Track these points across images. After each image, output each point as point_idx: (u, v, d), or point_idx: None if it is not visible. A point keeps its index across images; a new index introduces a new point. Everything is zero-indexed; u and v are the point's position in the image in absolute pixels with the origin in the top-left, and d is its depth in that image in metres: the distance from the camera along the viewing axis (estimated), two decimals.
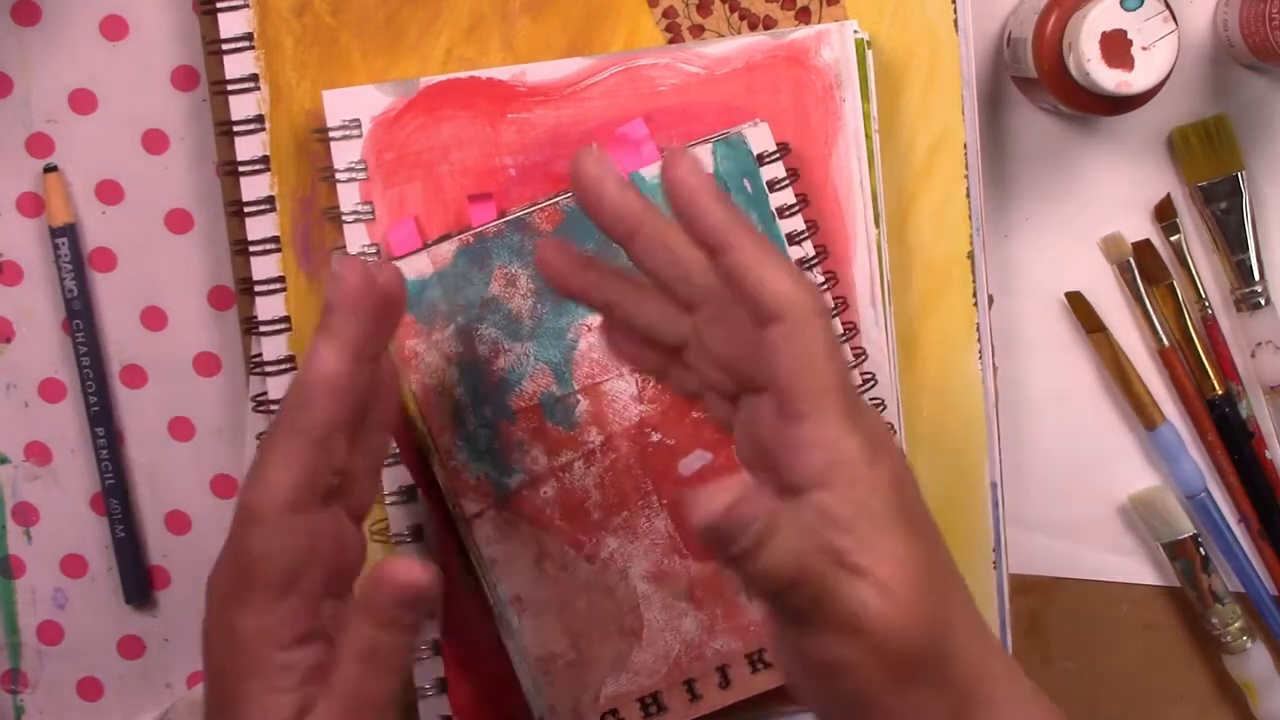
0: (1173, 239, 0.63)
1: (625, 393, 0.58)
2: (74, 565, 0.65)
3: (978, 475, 0.60)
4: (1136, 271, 0.63)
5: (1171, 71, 0.55)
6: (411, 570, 0.45)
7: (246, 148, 0.58)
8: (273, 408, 0.59)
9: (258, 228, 0.58)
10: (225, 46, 0.58)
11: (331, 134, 0.58)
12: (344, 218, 0.58)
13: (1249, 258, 0.62)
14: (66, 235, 0.62)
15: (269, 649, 0.46)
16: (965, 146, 0.59)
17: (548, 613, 0.59)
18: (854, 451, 0.43)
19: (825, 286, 0.58)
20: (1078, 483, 0.65)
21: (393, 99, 0.58)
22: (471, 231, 0.57)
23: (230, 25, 0.58)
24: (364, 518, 0.50)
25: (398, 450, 0.58)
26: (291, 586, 0.46)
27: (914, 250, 0.59)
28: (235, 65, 0.58)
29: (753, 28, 0.59)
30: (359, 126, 0.58)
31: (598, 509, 0.58)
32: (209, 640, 0.48)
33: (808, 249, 0.58)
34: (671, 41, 0.59)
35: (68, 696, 0.66)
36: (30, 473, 0.65)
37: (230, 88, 0.58)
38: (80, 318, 0.63)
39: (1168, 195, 0.63)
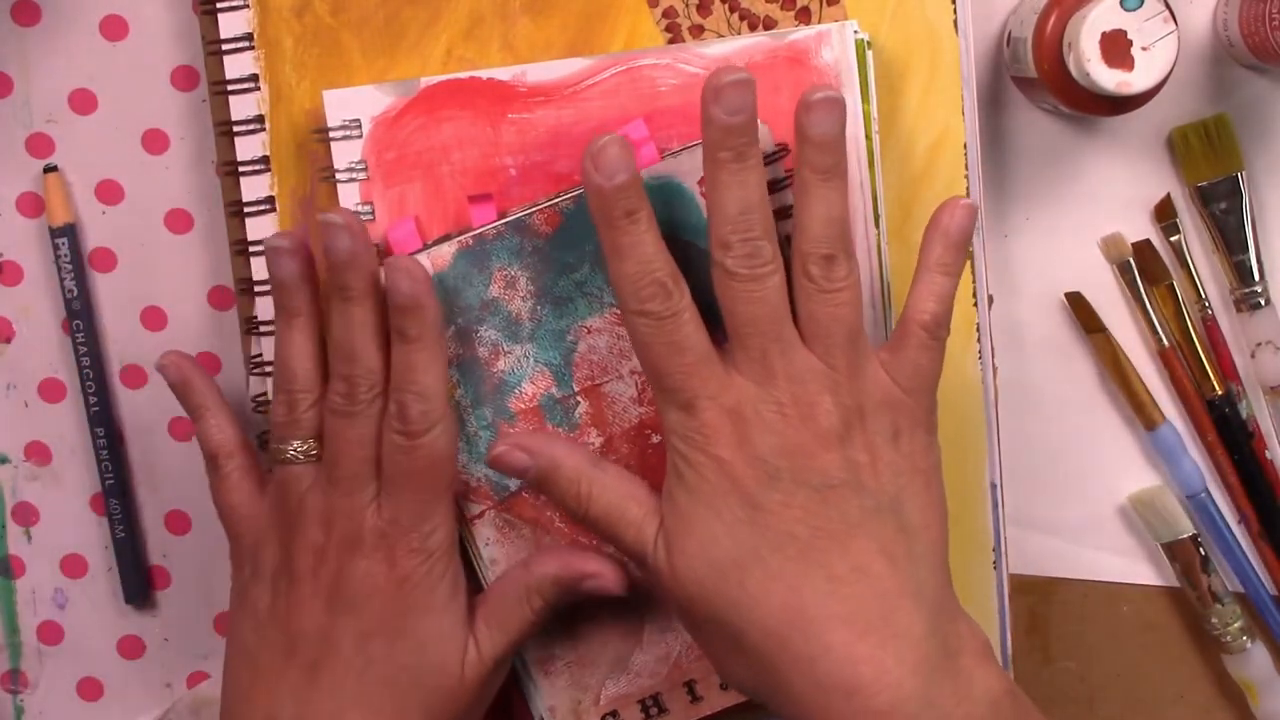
0: (1173, 239, 0.63)
1: (625, 394, 0.58)
2: (74, 565, 0.65)
3: (978, 475, 0.60)
4: (1136, 271, 0.63)
5: (1171, 71, 0.55)
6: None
7: (246, 148, 0.59)
8: None
9: (258, 228, 0.59)
10: (225, 46, 0.58)
11: (332, 134, 0.58)
12: None
13: (1249, 258, 0.62)
14: (66, 235, 0.62)
15: None
16: (965, 146, 0.59)
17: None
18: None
19: None
20: (1078, 483, 0.65)
21: (393, 99, 0.58)
22: (471, 233, 0.57)
23: (230, 25, 0.58)
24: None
25: None
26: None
27: (914, 250, 0.59)
28: (235, 65, 0.58)
29: (753, 28, 0.59)
30: (359, 126, 0.58)
31: None
32: None
33: None
34: (671, 42, 0.59)
35: (68, 696, 0.66)
36: (30, 473, 0.65)
37: (230, 88, 0.58)
38: (80, 318, 0.63)
39: (1168, 195, 0.63)
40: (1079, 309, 0.63)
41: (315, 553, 0.54)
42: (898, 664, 0.49)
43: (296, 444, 0.55)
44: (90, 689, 0.66)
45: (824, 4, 0.58)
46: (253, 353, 0.59)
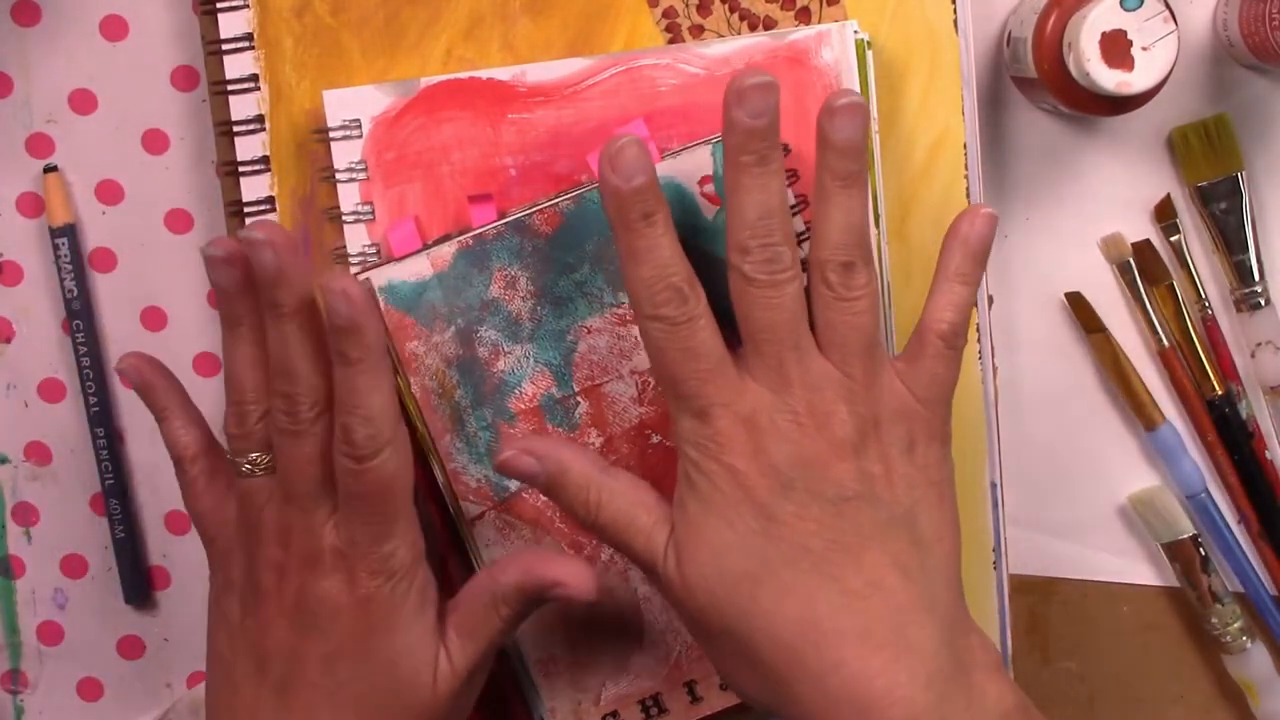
0: (1173, 239, 0.63)
1: (625, 394, 0.58)
2: (74, 565, 0.65)
3: (978, 475, 0.60)
4: (1136, 271, 0.63)
5: (1171, 71, 0.55)
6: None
7: (246, 148, 0.59)
8: None
9: None
10: (225, 46, 0.58)
11: (331, 134, 0.58)
12: (344, 218, 0.58)
13: (1249, 258, 0.62)
14: (66, 235, 0.62)
15: None
16: (965, 146, 0.59)
17: (548, 614, 0.59)
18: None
19: None
20: (1078, 483, 0.65)
21: (393, 99, 0.58)
22: (471, 233, 0.57)
23: (230, 25, 0.58)
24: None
25: None
26: None
27: (914, 250, 0.59)
28: (235, 65, 0.58)
29: (753, 28, 0.59)
30: (359, 126, 0.58)
31: None
32: None
33: (807, 250, 0.58)
34: (671, 42, 0.59)
35: (68, 696, 0.66)
36: (30, 473, 0.65)
37: (230, 88, 0.58)
38: (80, 318, 0.63)
39: (1167, 195, 0.63)
40: (1079, 309, 0.63)
41: (277, 570, 0.53)
42: (910, 679, 0.49)
43: (252, 456, 0.54)
44: (90, 689, 0.66)
45: (824, 4, 0.58)
46: None
